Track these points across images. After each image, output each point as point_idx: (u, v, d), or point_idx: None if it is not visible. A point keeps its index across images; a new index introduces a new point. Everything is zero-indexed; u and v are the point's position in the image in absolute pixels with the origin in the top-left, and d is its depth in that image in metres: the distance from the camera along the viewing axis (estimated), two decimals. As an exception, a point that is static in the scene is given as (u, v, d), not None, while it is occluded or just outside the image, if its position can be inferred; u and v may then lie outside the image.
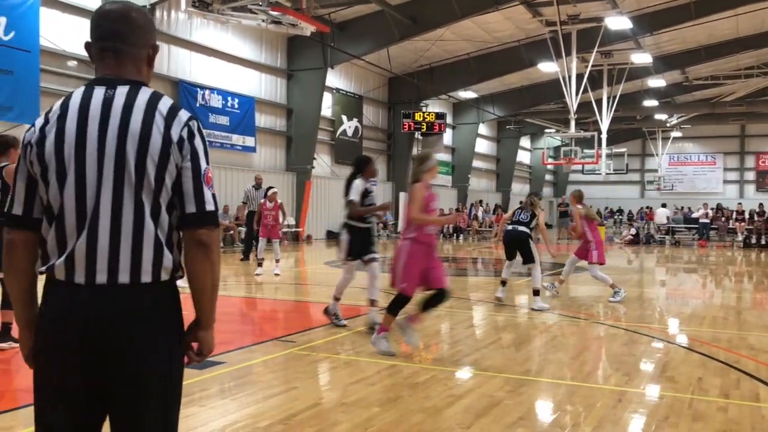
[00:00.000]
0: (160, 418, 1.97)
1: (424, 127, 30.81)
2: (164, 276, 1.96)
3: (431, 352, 6.56)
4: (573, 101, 27.52)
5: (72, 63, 18.19)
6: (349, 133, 29.73)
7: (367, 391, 5.02)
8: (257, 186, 16.96)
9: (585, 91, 28.15)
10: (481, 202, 37.77)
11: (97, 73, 2.09)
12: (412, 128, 30.89)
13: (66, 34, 17.80)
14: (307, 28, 16.99)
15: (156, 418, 1.96)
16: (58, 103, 2.04)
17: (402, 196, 33.25)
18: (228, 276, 14.25)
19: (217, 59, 22.57)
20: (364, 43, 25.12)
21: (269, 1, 16.43)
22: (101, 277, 1.89)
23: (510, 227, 10.01)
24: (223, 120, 22.66)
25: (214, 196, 2.03)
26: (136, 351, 1.90)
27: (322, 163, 28.07)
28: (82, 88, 2.03)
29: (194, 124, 2.02)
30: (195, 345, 2.10)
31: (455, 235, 32.70)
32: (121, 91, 1.98)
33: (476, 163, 41.00)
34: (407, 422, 4.32)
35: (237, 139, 23.38)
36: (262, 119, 24.78)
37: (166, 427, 2.00)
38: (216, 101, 22.38)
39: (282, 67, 25.69)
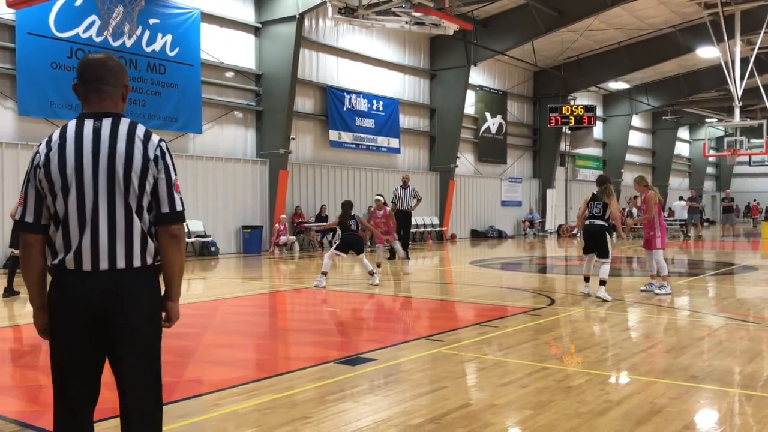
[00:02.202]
0: (147, 361, 2.62)
1: (572, 121, 29.83)
2: (149, 260, 2.61)
3: (584, 355, 6.30)
4: (737, 88, 25.51)
5: (229, 74, 19.34)
6: (493, 130, 29.38)
7: (519, 394, 4.91)
8: (404, 186, 17.16)
9: (751, 75, 26.00)
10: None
11: (84, 109, 2.65)
12: (560, 123, 30.00)
13: (223, 47, 18.97)
14: (450, 27, 16.96)
15: (143, 360, 2.61)
16: (57, 133, 2.60)
17: (549, 193, 32.43)
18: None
19: (363, 63, 23.12)
20: (508, 38, 24.72)
21: (412, 2, 16.58)
22: (104, 265, 2.53)
23: (587, 222, 9.96)
24: (369, 123, 23.18)
25: (181, 199, 2.66)
26: (130, 318, 2.54)
27: (466, 161, 27.95)
28: (74, 121, 2.61)
29: (164, 145, 2.65)
30: (164, 314, 2.73)
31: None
32: (107, 123, 2.59)
33: (629, 157, 39.12)
34: (561, 427, 4.17)
35: (382, 141, 23.82)
36: (405, 120, 25.09)
37: (152, 369, 2.64)
38: (362, 105, 22.93)
39: (425, 68, 25.86)
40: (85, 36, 15.64)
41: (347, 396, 4.85)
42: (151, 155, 2.59)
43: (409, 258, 14.13)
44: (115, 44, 16.15)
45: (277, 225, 19.43)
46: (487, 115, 28.96)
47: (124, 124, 2.62)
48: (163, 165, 2.61)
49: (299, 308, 10.06)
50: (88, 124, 2.59)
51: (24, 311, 9.15)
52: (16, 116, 14.82)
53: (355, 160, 23.00)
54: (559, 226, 31.47)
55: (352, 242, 12.08)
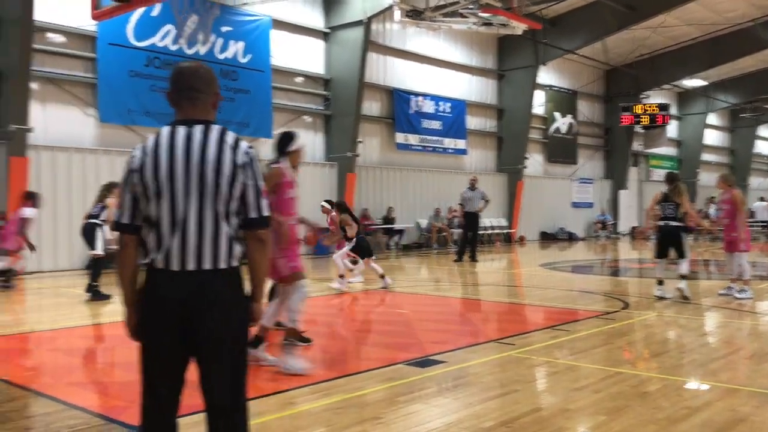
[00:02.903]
0: (232, 360, 2.67)
1: (645, 119, 29.00)
2: (234, 263, 2.68)
3: (660, 361, 6.12)
4: (823, 82, 24.24)
5: (299, 79, 19.67)
6: (563, 130, 28.87)
7: (592, 399, 4.81)
8: (472, 187, 17.06)
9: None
10: (713, 198, 34.59)
11: (177, 116, 2.74)
12: (632, 122, 29.21)
13: (293, 52, 19.31)
14: (519, 27, 16.79)
15: (228, 359, 2.65)
16: (151, 139, 2.69)
17: (622, 193, 31.60)
18: (442, 277, 14.51)
19: (429, 65, 23.11)
20: (578, 36, 24.26)
21: (479, 3, 16.48)
22: (191, 265, 2.61)
23: (662, 223, 9.64)
24: (436, 124, 23.14)
25: (267, 205, 2.74)
26: (216, 317, 2.60)
27: (534, 162, 27.55)
28: (167, 128, 2.70)
29: (252, 152, 2.72)
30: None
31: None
32: (198, 130, 2.68)
33: (705, 156, 37.75)
34: (637, 434, 4.06)
35: (449, 142, 23.74)
36: (472, 121, 24.93)
37: (237, 368, 2.69)
38: (428, 107, 22.92)
39: (492, 68, 25.65)
40: (161, 45, 16.21)
41: (417, 398, 4.86)
42: (240, 162, 2.66)
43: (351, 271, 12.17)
44: (190, 52, 16.67)
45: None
46: (557, 114, 28.47)
47: (215, 131, 2.69)
48: (251, 171, 2.68)
49: (367, 309, 10.13)
50: (181, 131, 2.68)
51: (105, 309, 9.55)
52: (97, 123, 15.48)
53: (422, 162, 23.00)
54: (633, 228, 30.61)
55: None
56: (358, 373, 5.61)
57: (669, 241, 9.71)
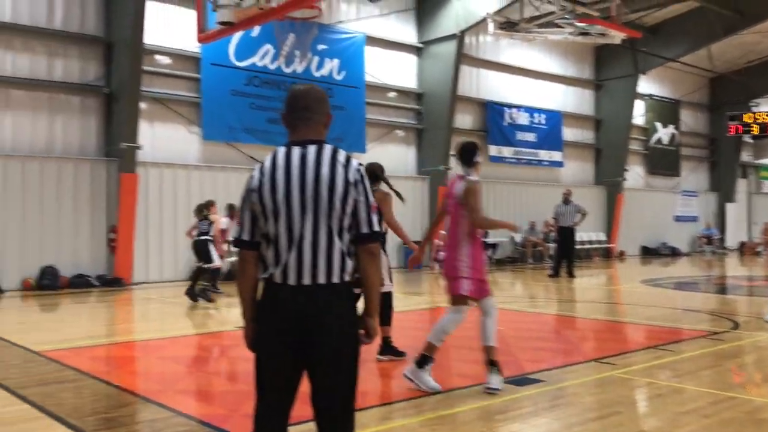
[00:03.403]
0: (344, 375, 2.73)
1: (756, 129, 27.42)
2: (346, 277, 2.74)
3: (777, 386, 5.74)
4: None
5: (392, 94, 19.87)
6: (665, 140, 27.78)
7: (701, 424, 4.57)
8: (566, 201, 16.66)
9: None
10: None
11: (291, 137, 2.86)
12: (740, 131, 27.68)
13: (386, 67, 19.53)
14: (617, 36, 16.34)
15: (340, 374, 2.72)
16: (268, 160, 2.81)
17: (729, 207, 30.01)
18: (537, 293, 14.21)
19: (523, 77, 22.82)
20: (681, 44, 23.34)
21: (576, 13, 16.16)
22: (306, 280, 2.69)
23: None
24: (530, 136, 22.78)
25: (378, 220, 2.75)
26: (330, 331, 2.67)
27: (635, 174, 26.62)
28: (283, 148, 2.81)
29: (362, 169, 2.81)
30: (363, 331, 2.83)
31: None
32: (312, 150, 2.79)
33: (823, 167, 35.30)
34: (753, 464, 3.82)
35: (544, 154, 23.31)
36: (569, 132, 24.39)
37: (348, 383, 2.74)
38: (523, 118, 22.61)
39: (589, 78, 25.04)
40: (260, 64, 16.78)
41: (514, 417, 4.77)
42: (352, 179, 2.75)
43: None
44: (287, 70, 17.17)
45: (437, 241, 19.56)
46: (658, 125, 27.44)
47: (327, 150, 2.80)
48: (362, 188, 2.77)
49: (462, 325, 10.02)
50: (296, 152, 2.79)
51: (213, 320, 9.92)
52: (200, 140, 16.18)
53: (516, 175, 22.67)
54: (742, 243, 28.99)
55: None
56: (454, 389, 5.56)
57: None
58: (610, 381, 5.83)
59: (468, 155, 5.68)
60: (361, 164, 2.84)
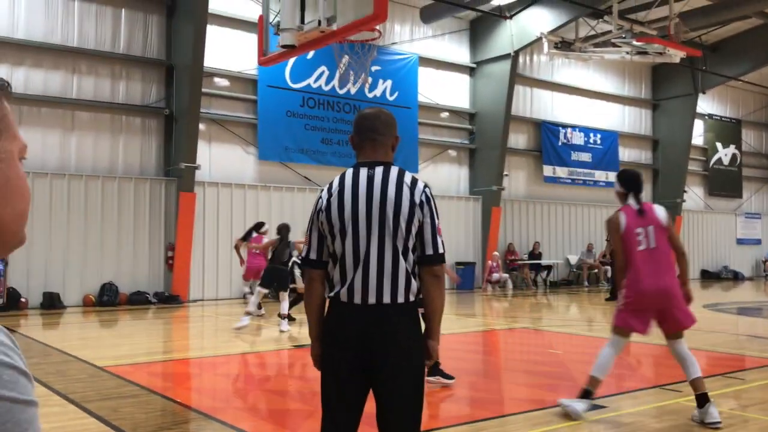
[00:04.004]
0: (408, 394, 2.71)
1: (822, 149, 26.50)
2: (411, 298, 2.75)
3: None
4: None
5: (444, 114, 19.87)
6: (725, 161, 27.00)
7: (776, 457, 4.36)
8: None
9: None
10: None
11: (359, 158, 2.89)
12: (806, 151, 26.78)
13: (439, 88, 19.56)
14: (677, 55, 16.01)
15: (405, 393, 2.71)
16: (336, 180, 2.84)
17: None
18: (595, 316, 13.90)
19: (578, 96, 22.55)
20: (743, 62, 22.72)
21: (633, 32, 15.91)
22: (372, 299, 2.70)
23: None
24: (585, 157, 22.45)
25: (442, 242, 2.80)
26: (395, 351, 2.68)
27: (694, 195, 25.93)
28: (351, 169, 2.85)
29: (428, 191, 2.82)
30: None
31: None
32: (379, 171, 2.80)
33: None
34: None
35: (600, 175, 22.92)
36: (625, 153, 23.95)
37: (412, 402, 2.72)
38: (578, 138, 22.31)
39: (646, 98, 24.59)
40: (315, 86, 17.02)
41: (577, 444, 4.63)
42: (417, 200, 2.75)
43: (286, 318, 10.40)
44: (341, 92, 17.37)
45: (489, 262, 19.40)
46: (719, 145, 26.71)
47: (394, 171, 2.82)
48: (428, 209, 2.77)
49: (515, 347, 9.88)
50: (363, 172, 2.82)
51: (267, 338, 9.98)
52: (256, 160, 16.45)
53: (571, 196, 22.33)
54: (808, 268, 27.82)
55: (277, 275, 10.67)
56: (510, 415, 5.46)
57: None
58: (677, 409, 5.63)
59: (636, 184, 5.51)
60: (427, 186, 2.85)
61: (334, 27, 7.66)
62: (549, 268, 21.12)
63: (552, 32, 17.34)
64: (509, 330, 11.40)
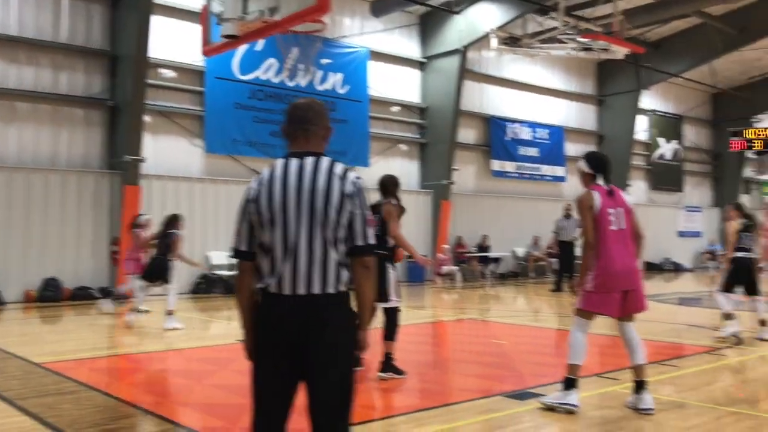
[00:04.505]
0: (340, 384, 2.73)
1: (758, 144, 27.44)
2: (341, 288, 2.75)
3: (781, 402, 5.70)
4: None
5: (395, 108, 19.93)
6: (668, 156, 27.80)
7: (704, 440, 4.54)
8: (567, 216, 16.66)
9: None
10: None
11: (291, 148, 2.90)
12: (744, 147, 27.70)
13: (389, 82, 19.60)
14: (620, 51, 16.39)
15: (336, 384, 2.72)
16: (266, 170, 2.84)
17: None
18: (540, 307, 14.17)
19: (526, 92, 22.89)
20: (683, 59, 23.41)
21: (579, 29, 16.23)
22: (301, 290, 2.71)
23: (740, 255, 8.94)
24: (533, 151, 22.81)
25: (373, 233, 2.81)
26: (326, 341, 2.68)
27: (637, 189, 26.60)
28: (282, 160, 2.85)
29: (359, 182, 2.83)
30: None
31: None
32: (309, 161, 2.82)
33: (827, 183, 35.24)
34: (756, 480, 3.78)
35: (546, 169, 23.32)
36: (571, 148, 24.40)
37: (344, 393, 2.73)
38: (525, 134, 22.65)
39: (592, 94, 25.10)
40: (264, 78, 16.87)
41: (515, 431, 4.73)
42: (348, 191, 2.77)
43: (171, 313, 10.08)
44: (291, 84, 17.25)
45: (439, 255, 19.56)
46: (661, 140, 27.47)
47: (325, 162, 2.83)
48: (359, 200, 2.79)
49: (463, 338, 10.01)
50: (294, 163, 2.83)
51: (214, 332, 9.88)
52: (203, 153, 16.22)
53: (519, 190, 22.67)
54: (745, 259, 28.82)
55: (159, 268, 10.30)
56: (455, 403, 5.53)
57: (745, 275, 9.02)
58: (613, 396, 5.79)
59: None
60: (359, 177, 2.85)
61: (277, 17, 7.62)
62: (497, 260, 21.42)
63: (500, 28, 17.56)
64: (458, 321, 11.53)
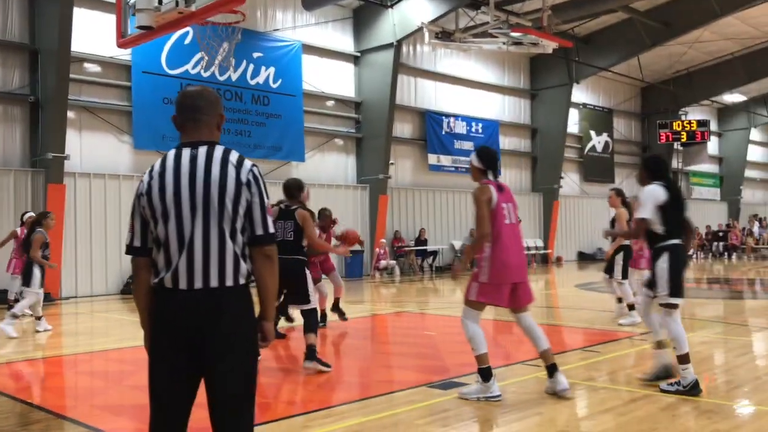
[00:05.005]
0: (241, 379, 2.64)
1: (684, 136, 28.50)
2: (241, 281, 2.67)
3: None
4: None
5: (330, 103, 19.81)
6: (599, 148, 28.50)
7: (618, 421, 4.63)
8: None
9: None
10: (756, 216, 33.74)
11: (182, 138, 2.79)
12: (671, 139, 28.72)
13: (324, 76, 19.47)
14: (549, 46, 16.68)
15: (237, 378, 2.63)
16: (158, 163, 2.73)
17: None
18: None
19: (461, 86, 23.08)
20: (612, 54, 24.02)
21: (509, 23, 16.43)
22: (198, 284, 2.61)
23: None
24: (468, 145, 23.03)
25: (272, 222, 2.75)
26: (223, 333, 2.59)
27: (570, 181, 27.20)
28: (173, 150, 2.74)
29: (256, 170, 2.75)
30: (260, 334, 2.77)
31: (727, 253, 29.47)
32: (202, 150, 2.71)
33: (750, 173, 36.80)
34: (663, 459, 3.87)
35: (483, 162, 23.55)
36: (506, 141, 24.77)
37: (245, 387, 2.65)
38: (461, 127, 22.85)
39: (525, 88, 25.51)
40: (193, 72, 16.51)
41: (436, 421, 4.74)
42: (244, 180, 2.68)
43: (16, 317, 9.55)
44: (222, 78, 16.94)
45: (377, 249, 19.57)
46: (592, 133, 28.14)
47: (219, 150, 2.73)
48: (256, 189, 2.70)
49: (396, 331, 10.02)
50: (186, 153, 2.72)
51: (131, 333, 9.60)
52: (132, 150, 15.78)
53: (455, 183, 22.87)
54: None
55: (24, 270, 9.71)
56: (379, 395, 5.51)
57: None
58: (534, 382, 5.87)
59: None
60: (255, 165, 2.76)
61: (193, 8, 7.43)
62: (434, 253, 21.58)
63: (432, 22, 17.64)
64: (395, 314, 11.53)
